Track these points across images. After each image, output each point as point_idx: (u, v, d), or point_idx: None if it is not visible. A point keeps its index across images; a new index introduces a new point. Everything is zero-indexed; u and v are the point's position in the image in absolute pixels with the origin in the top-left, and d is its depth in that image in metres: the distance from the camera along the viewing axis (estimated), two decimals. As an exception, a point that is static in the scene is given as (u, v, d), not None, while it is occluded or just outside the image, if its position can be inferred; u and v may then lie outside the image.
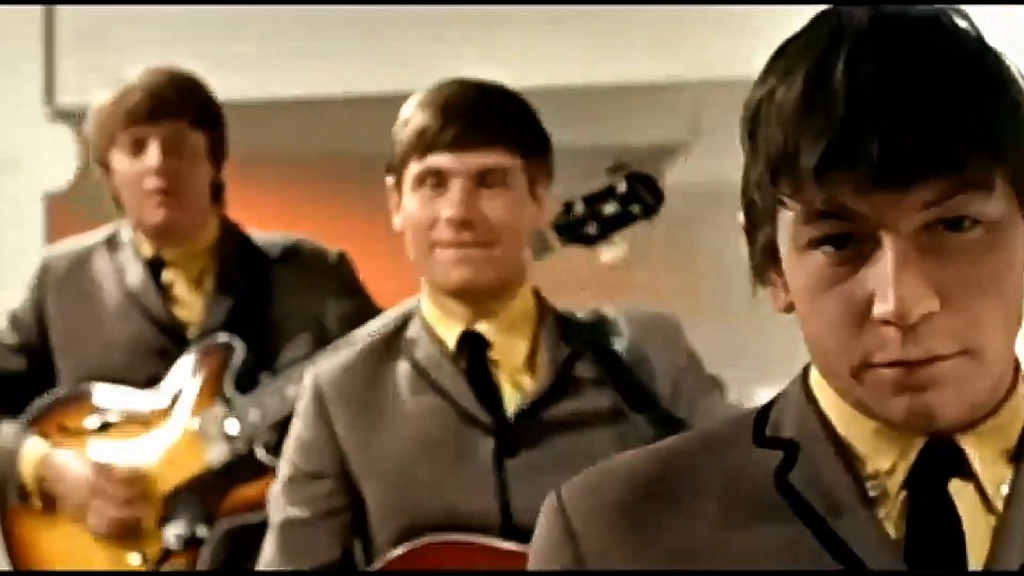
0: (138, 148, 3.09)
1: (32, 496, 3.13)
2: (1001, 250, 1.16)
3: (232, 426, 3.15)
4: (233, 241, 3.25)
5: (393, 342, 2.51)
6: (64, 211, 4.30)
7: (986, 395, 1.21)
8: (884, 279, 1.14)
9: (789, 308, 1.24)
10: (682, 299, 4.91)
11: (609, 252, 2.91)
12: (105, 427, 3.16)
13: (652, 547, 1.24)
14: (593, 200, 2.88)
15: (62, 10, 4.43)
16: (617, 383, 2.45)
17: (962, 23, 1.16)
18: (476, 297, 2.43)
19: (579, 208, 2.82)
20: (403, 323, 2.53)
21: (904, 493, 1.21)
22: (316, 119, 4.67)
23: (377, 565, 2.43)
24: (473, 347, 2.46)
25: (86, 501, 3.11)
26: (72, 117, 4.21)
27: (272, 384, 3.11)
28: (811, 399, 1.26)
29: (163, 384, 3.16)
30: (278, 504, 2.50)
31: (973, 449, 1.21)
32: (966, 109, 1.12)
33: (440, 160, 2.36)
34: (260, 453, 3.12)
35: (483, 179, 2.38)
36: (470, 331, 2.44)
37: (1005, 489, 1.21)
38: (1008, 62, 1.17)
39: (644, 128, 4.97)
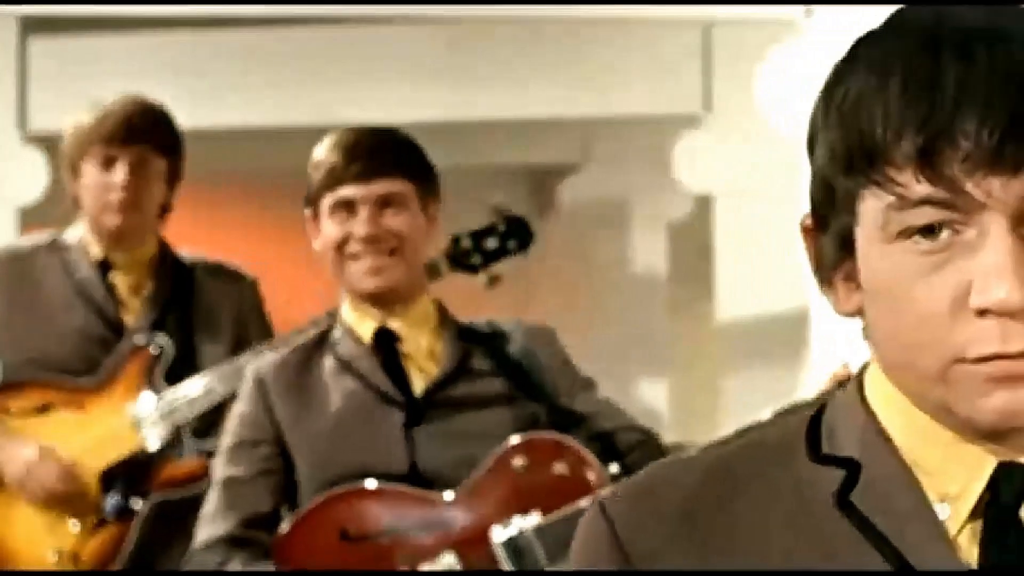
0: (108, 164, 3.31)
1: None
2: None
3: (164, 413, 3.36)
4: (167, 257, 3.46)
5: (320, 343, 2.82)
6: (35, 223, 4.25)
7: None
8: (989, 266, 1.05)
9: (856, 311, 1.14)
10: (573, 294, 5.43)
11: (487, 277, 3.20)
12: (45, 409, 3.37)
13: (706, 556, 1.12)
14: (478, 236, 3.19)
15: (34, 46, 4.53)
16: (510, 375, 2.79)
17: None
18: (387, 299, 2.76)
19: (466, 242, 3.12)
20: (327, 329, 2.84)
21: (975, 517, 1.10)
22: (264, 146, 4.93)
23: (304, 509, 2.72)
24: (386, 341, 2.78)
25: (25, 478, 3.30)
26: (42, 141, 4.42)
27: (198, 380, 3.35)
28: (869, 412, 1.14)
29: (99, 372, 3.37)
30: (221, 467, 2.78)
31: None
32: None
33: (349, 191, 2.70)
34: (187, 439, 3.38)
35: (384, 203, 2.70)
36: (383, 327, 2.77)
37: None
38: None
39: (542, 151, 5.37)
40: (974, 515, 1.09)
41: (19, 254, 3.46)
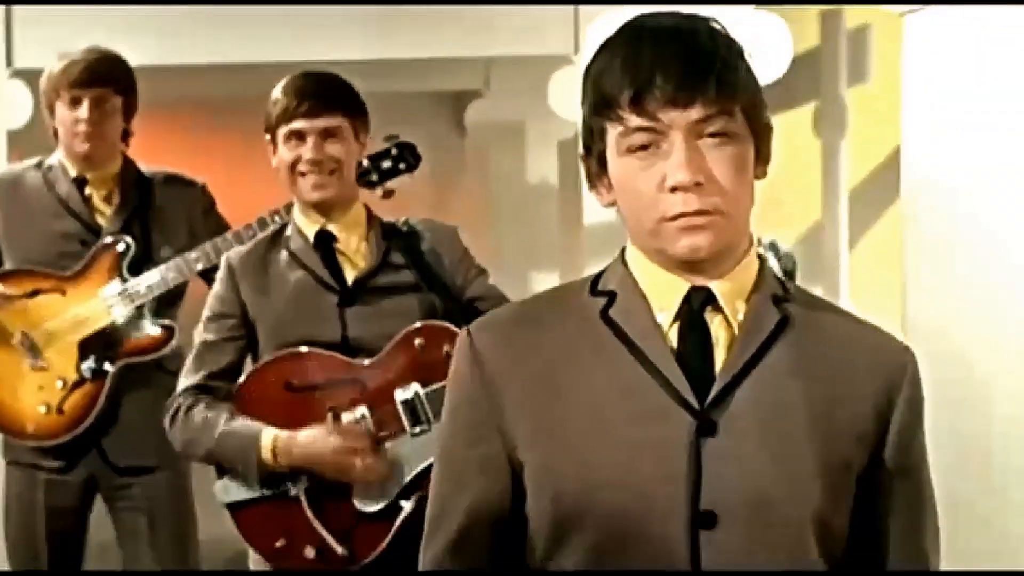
0: (75, 103, 3.73)
1: None
2: (741, 154, 1.58)
3: (128, 296, 3.73)
4: (131, 171, 3.83)
5: (276, 238, 3.19)
6: (21, 145, 4.59)
7: (731, 246, 1.60)
8: (676, 161, 1.54)
9: (612, 203, 1.62)
10: (481, 200, 5.84)
11: (382, 191, 3.36)
12: (35, 294, 3.75)
13: (528, 355, 1.62)
14: (375, 158, 3.34)
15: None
16: (418, 268, 3.14)
17: (718, 26, 1.60)
18: (327, 208, 3.13)
19: (365, 163, 3.26)
20: (282, 227, 3.20)
21: (677, 319, 1.61)
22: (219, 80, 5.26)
23: (258, 364, 3.09)
24: (325, 240, 3.15)
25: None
26: (26, 76, 4.72)
27: (155, 270, 3.73)
28: (626, 266, 1.64)
29: (78, 265, 3.74)
30: (199, 333, 3.15)
31: (720, 291, 1.61)
32: (721, 69, 1.56)
33: (299, 124, 3.07)
34: (147, 315, 3.78)
35: (327, 134, 3.07)
36: (323, 230, 3.15)
37: (740, 316, 1.62)
38: (742, 48, 1.60)
39: (454, 81, 5.75)
40: (677, 318, 1.62)
41: (14, 174, 3.87)
